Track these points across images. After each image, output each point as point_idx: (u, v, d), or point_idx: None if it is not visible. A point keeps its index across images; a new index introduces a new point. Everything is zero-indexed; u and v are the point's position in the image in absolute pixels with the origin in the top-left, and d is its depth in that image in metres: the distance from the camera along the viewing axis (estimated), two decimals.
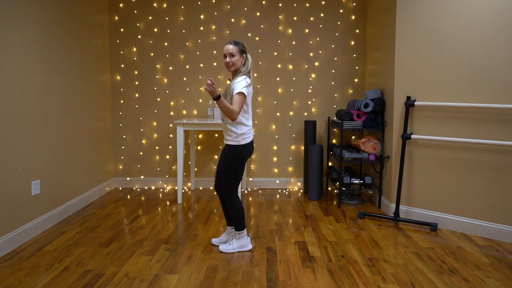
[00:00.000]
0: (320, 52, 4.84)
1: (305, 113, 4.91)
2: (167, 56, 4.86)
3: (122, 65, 4.87)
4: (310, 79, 4.88)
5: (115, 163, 4.98)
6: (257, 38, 4.82)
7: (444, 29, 3.42)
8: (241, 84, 2.74)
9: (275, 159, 4.96)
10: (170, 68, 4.87)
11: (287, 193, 4.78)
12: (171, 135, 4.94)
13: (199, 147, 4.96)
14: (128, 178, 4.99)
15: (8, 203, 3.00)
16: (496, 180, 3.23)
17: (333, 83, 4.87)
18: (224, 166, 2.88)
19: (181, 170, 4.28)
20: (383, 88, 4.13)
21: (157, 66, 4.87)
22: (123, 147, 4.95)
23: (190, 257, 2.89)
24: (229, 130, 2.85)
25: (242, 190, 4.82)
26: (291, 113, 4.91)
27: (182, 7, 4.81)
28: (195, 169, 4.98)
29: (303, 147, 4.94)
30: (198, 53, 4.85)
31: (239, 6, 4.80)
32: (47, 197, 3.51)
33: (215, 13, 4.81)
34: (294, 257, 2.89)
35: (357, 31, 4.81)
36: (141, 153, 4.97)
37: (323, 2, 4.79)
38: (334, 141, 4.94)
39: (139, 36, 4.84)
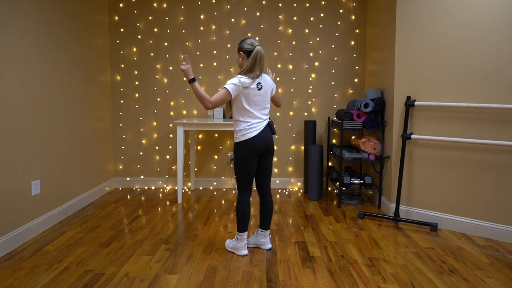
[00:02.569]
0: (320, 52, 4.84)
1: (305, 113, 4.91)
2: (167, 56, 4.86)
3: (122, 65, 4.87)
4: (310, 79, 4.88)
5: (115, 163, 4.98)
6: (257, 38, 4.82)
7: (444, 29, 3.42)
8: (229, 80, 2.75)
9: (275, 159, 4.96)
10: (170, 68, 4.88)
11: (287, 193, 4.78)
12: (171, 135, 4.94)
13: (199, 147, 4.96)
14: (128, 178, 4.99)
15: (8, 203, 3.00)
16: (496, 180, 3.23)
17: (333, 83, 4.87)
18: (234, 163, 2.90)
19: (181, 170, 4.28)
20: (383, 88, 4.13)
21: (157, 66, 4.87)
22: (123, 147, 4.95)
23: (190, 257, 2.89)
24: (234, 127, 2.88)
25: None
26: (291, 113, 4.91)
27: (182, 7, 4.81)
28: (195, 169, 4.98)
29: (303, 147, 4.94)
30: (198, 53, 4.85)
31: (239, 6, 4.80)
32: (47, 197, 3.51)
33: (215, 13, 4.81)
34: (294, 257, 2.89)
35: (357, 31, 4.81)
36: (141, 153, 4.97)
37: (323, 2, 4.79)
38: (334, 141, 4.94)
39: (139, 36, 4.84)
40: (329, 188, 4.97)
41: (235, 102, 2.79)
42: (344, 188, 4.20)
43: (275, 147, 4.93)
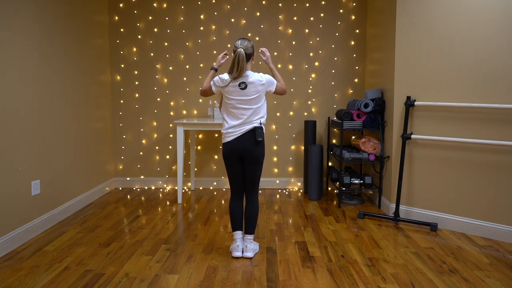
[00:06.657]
0: (320, 52, 4.84)
1: (305, 113, 4.91)
2: (167, 56, 4.86)
3: (122, 65, 4.87)
4: (310, 79, 4.88)
5: (115, 163, 4.98)
6: (257, 38, 4.82)
7: (444, 29, 3.42)
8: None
9: (275, 159, 4.96)
10: (170, 68, 4.88)
11: (287, 193, 4.78)
12: (171, 135, 4.94)
13: (199, 147, 4.96)
14: (128, 178, 4.99)
15: (8, 203, 3.00)
16: (496, 180, 3.23)
17: (333, 83, 4.87)
18: None
19: (181, 170, 4.28)
20: (383, 88, 4.13)
21: (157, 66, 4.87)
22: (123, 147, 4.95)
23: (190, 257, 2.89)
24: None
25: None
26: (291, 113, 4.91)
27: (182, 7, 4.81)
28: (195, 169, 4.98)
29: (303, 147, 4.94)
30: (198, 53, 4.85)
31: (239, 6, 4.80)
32: (47, 197, 3.51)
33: (215, 13, 4.81)
34: (294, 257, 2.89)
35: (357, 31, 4.81)
36: (141, 153, 4.97)
37: (323, 2, 4.79)
38: (334, 141, 4.94)
39: (139, 36, 4.84)
40: (329, 188, 4.97)
41: (221, 98, 2.90)
42: (344, 188, 4.20)
43: (275, 147, 4.93)
